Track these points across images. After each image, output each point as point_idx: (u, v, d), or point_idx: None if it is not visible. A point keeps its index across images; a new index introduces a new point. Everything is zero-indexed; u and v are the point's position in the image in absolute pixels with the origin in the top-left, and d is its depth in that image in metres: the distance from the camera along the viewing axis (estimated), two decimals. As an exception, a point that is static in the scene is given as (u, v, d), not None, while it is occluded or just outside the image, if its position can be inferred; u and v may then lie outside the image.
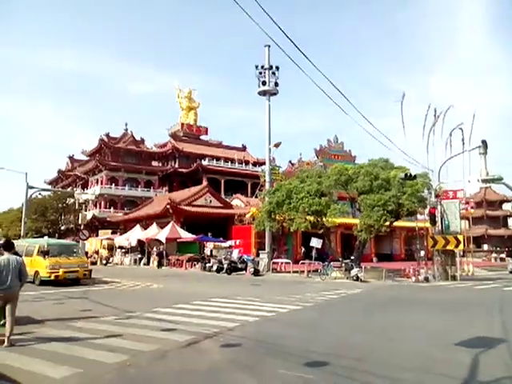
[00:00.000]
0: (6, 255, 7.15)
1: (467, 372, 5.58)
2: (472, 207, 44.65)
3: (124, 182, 56.75)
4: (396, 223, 25.60)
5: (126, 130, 60.07)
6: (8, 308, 6.98)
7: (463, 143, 24.46)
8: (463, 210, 30.32)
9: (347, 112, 19.23)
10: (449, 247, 21.54)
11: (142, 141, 61.12)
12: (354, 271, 20.91)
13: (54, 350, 6.58)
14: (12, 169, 30.97)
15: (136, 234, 36.68)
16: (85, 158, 64.63)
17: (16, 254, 7.81)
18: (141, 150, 59.49)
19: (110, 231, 46.00)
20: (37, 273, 17.17)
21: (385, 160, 24.85)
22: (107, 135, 58.25)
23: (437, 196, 22.45)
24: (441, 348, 6.97)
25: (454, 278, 21.86)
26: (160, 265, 31.17)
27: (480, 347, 6.88)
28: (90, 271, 18.77)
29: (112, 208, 53.64)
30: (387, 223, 22.78)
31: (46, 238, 24.90)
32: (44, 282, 16.70)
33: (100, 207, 54.29)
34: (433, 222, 22.32)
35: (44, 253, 17.26)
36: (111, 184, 55.63)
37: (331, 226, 24.63)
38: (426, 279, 21.17)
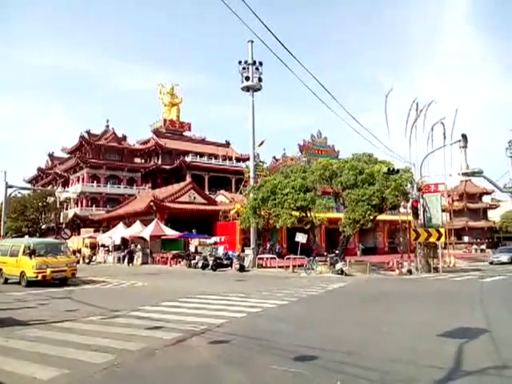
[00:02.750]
0: None
1: (453, 362, 5.69)
2: (454, 200, 45.57)
3: (106, 179, 55.87)
4: (379, 217, 25.88)
5: (108, 126, 59.16)
6: None
7: (444, 137, 24.87)
8: (446, 203, 30.88)
9: (335, 108, 19.31)
10: (431, 240, 21.96)
11: (124, 138, 60.25)
12: (339, 265, 21.10)
13: (40, 351, 6.46)
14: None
15: (119, 232, 36.30)
16: (65, 155, 63.44)
17: None
18: (123, 146, 58.64)
19: (92, 229, 45.33)
20: (23, 273, 16.66)
21: (368, 154, 25.03)
22: (88, 132, 57.16)
23: (419, 189, 22.81)
24: (427, 340, 7.09)
25: (436, 270, 22.28)
26: (130, 262, 31.51)
27: (464, 338, 7.02)
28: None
29: (94, 206, 52.84)
30: (371, 217, 23.02)
31: (26, 237, 24.40)
32: (31, 283, 16.20)
33: (82, 205, 53.41)
34: (415, 215, 22.72)
35: (30, 252, 16.74)
36: (93, 182, 54.74)
37: (318, 221, 24.73)
38: (410, 272, 21.56)
